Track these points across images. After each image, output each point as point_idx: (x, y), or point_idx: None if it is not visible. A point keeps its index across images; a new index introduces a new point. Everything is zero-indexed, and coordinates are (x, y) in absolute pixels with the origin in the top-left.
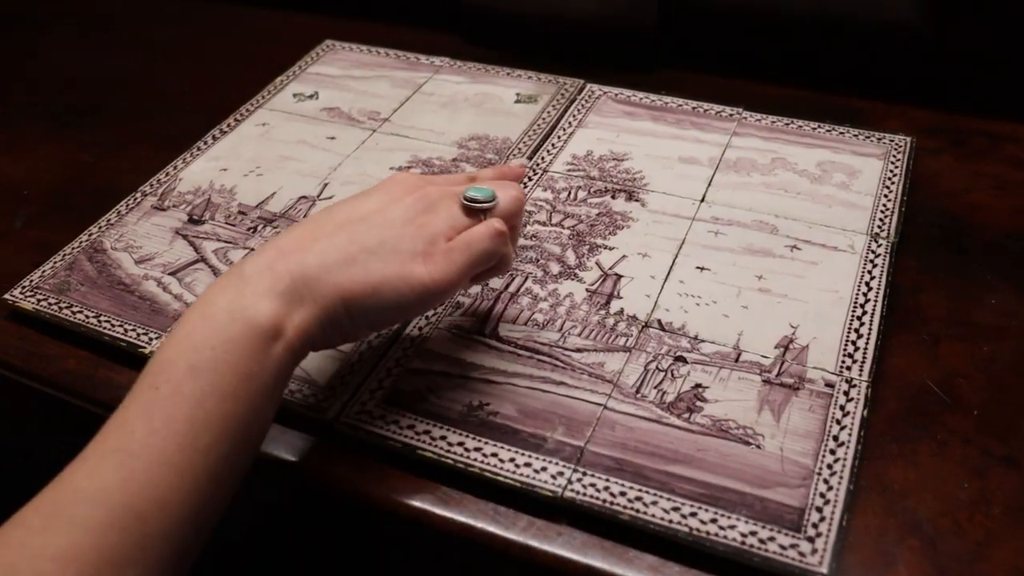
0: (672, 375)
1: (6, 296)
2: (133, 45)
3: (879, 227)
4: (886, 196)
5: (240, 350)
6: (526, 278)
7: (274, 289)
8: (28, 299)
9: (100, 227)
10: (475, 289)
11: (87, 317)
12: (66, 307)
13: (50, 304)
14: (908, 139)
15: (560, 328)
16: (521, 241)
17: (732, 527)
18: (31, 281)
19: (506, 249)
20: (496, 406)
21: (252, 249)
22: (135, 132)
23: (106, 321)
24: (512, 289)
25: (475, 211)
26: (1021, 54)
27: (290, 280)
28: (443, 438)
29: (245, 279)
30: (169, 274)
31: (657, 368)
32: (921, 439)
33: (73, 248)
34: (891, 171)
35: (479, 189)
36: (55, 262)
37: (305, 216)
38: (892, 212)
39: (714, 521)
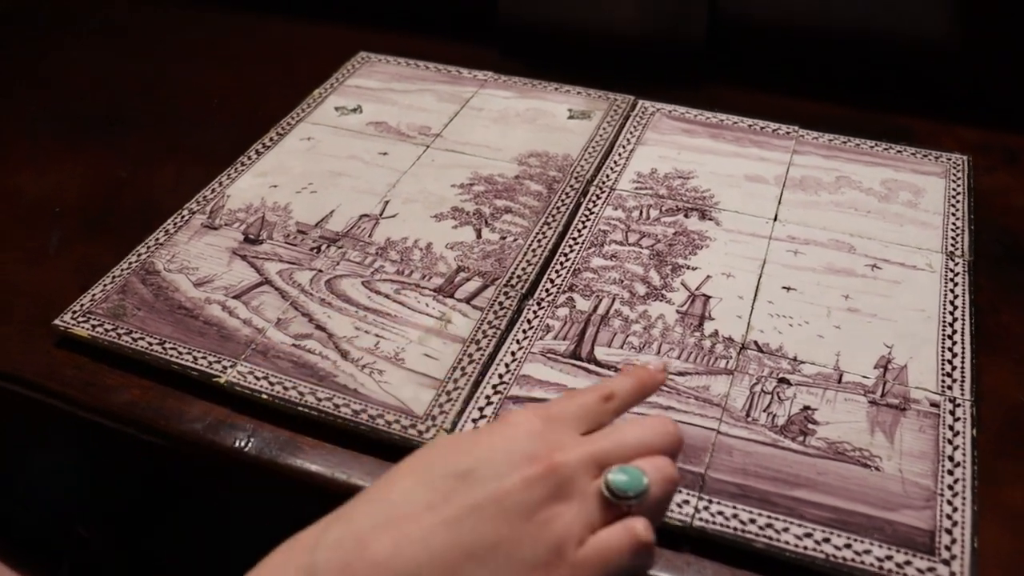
0: (779, 397)
1: (56, 322)
2: (152, 53)
3: (952, 246)
4: (953, 215)
5: None
6: (613, 300)
7: None
8: (82, 325)
9: (148, 247)
10: (563, 312)
11: (150, 344)
12: (125, 333)
13: (107, 330)
14: (965, 158)
15: (658, 351)
16: (601, 261)
17: (867, 552)
18: (82, 306)
19: (650, 561)
20: None
21: (319, 271)
22: (166, 144)
23: (172, 348)
24: (601, 311)
25: (620, 502)
26: None
27: None
28: None
29: None
30: (233, 297)
31: (763, 391)
32: None
33: (123, 270)
34: (954, 189)
35: (626, 472)
36: (105, 285)
37: (370, 236)
38: (963, 231)
39: (848, 546)
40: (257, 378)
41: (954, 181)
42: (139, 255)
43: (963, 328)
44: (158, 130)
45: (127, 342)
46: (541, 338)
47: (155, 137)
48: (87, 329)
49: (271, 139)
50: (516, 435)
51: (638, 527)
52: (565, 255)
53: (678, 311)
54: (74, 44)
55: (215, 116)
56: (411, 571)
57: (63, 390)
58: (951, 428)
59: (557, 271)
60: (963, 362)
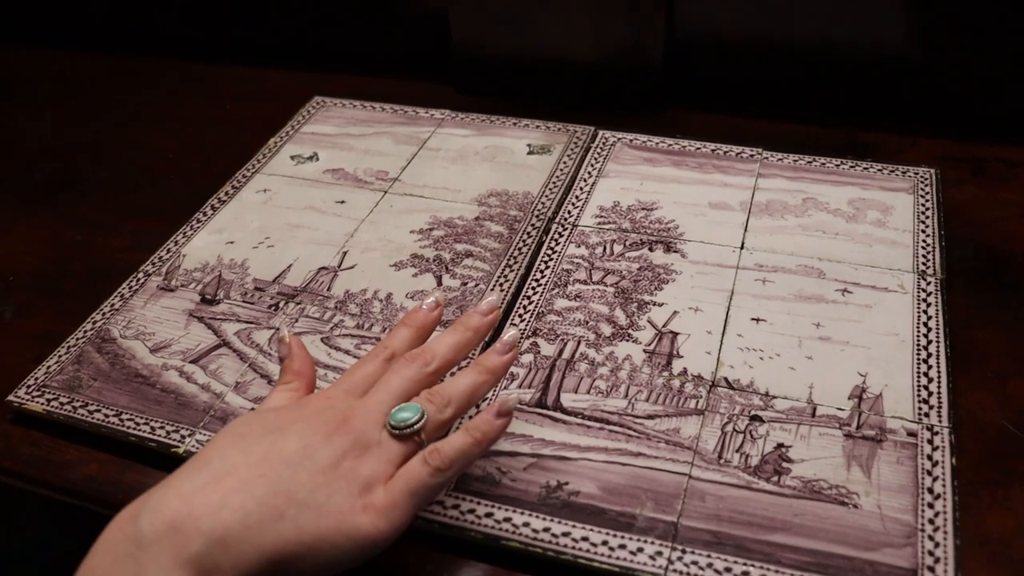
0: (751, 436)
1: (10, 398)
2: (102, 111)
3: (924, 264)
4: (924, 232)
5: None
6: (579, 342)
7: (181, 557)
8: (36, 400)
9: (104, 313)
10: (527, 358)
11: (107, 416)
12: (81, 406)
13: (62, 404)
14: (933, 171)
15: (626, 394)
16: (565, 302)
17: None
18: (36, 379)
19: (447, 479)
20: (576, 484)
21: (277, 329)
22: (120, 205)
23: (129, 419)
24: (567, 355)
25: (408, 435)
26: None
27: (203, 543)
28: (526, 524)
29: (143, 546)
30: (190, 362)
31: (734, 430)
32: (1010, 483)
33: (77, 339)
34: (923, 205)
35: (404, 408)
36: (59, 356)
37: (328, 290)
38: (934, 248)
39: None
40: None
41: (923, 196)
42: (94, 322)
43: (938, 351)
44: (112, 192)
45: (83, 415)
46: (506, 387)
47: (109, 199)
48: (42, 404)
49: (226, 193)
50: (314, 410)
51: (430, 455)
52: (528, 298)
53: (645, 350)
54: (22, 109)
55: (171, 173)
56: (239, 519)
57: (18, 468)
58: (930, 458)
59: (521, 315)
60: (939, 387)
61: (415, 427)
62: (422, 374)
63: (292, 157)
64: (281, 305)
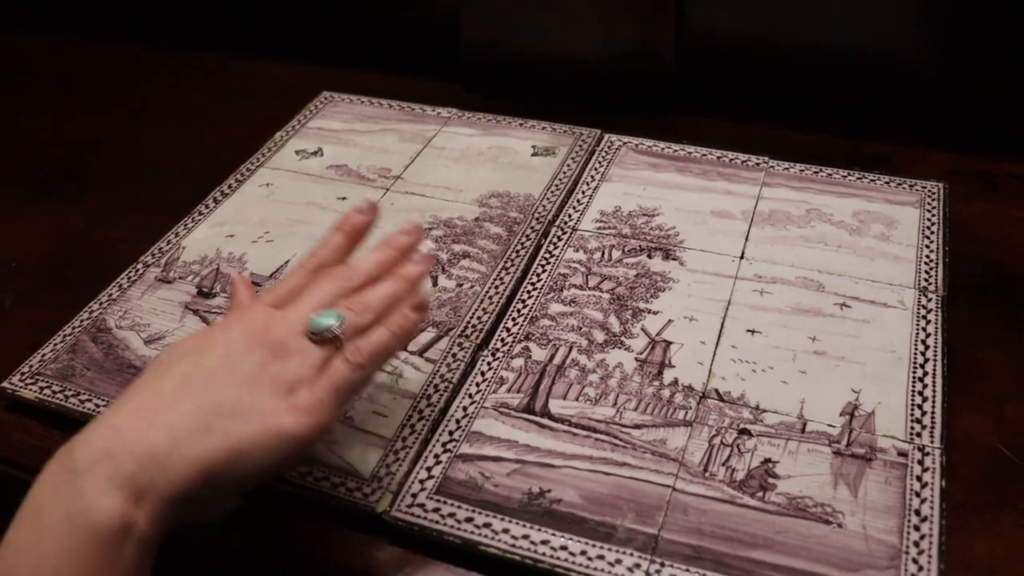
0: (738, 450)
1: (4, 384)
2: (109, 104)
3: (926, 280)
4: (928, 247)
5: (86, 563)
6: (571, 348)
7: (115, 478)
8: (29, 387)
9: (101, 303)
10: (518, 363)
11: (97, 406)
12: (73, 395)
13: (54, 392)
14: (941, 185)
15: (614, 402)
16: (559, 307)
17: None
18: (30, 367)
19: (368, 374)
20: (558, 492)
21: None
22: (125, 197)
23: None
24: (557, 361)
25: (327, 339)
26: None
27: (134, 463)
28: (505, 531)
29: (79, 472)
30: None
31: (722, 443)
32: (1000, 508)
33: (74, 328)
34: (929, 219)
35: (324, 315)
36: (55, 344)
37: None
38: (937, 264)
39: None
40: None
41: (929, 211)
42: (91, 312)
43: (934, 369)
44: (117, 184)
45: (74, 404)
46: (495, 391)
47: (114, 191)
48: (34, 392)
49: (229, 186)
50: (233, 324)
51: (349, 352)
52: (523, 301)
53: (637, 359)
54: (29, 101)
55: (176, 166)
56: (167, 437)
57: (9, 455)
58: (919, 479)
59: (514, 319)
60: (934, 406)
61: (335, 331)
62: (344, 288)
63: (297, 152)
64: None
